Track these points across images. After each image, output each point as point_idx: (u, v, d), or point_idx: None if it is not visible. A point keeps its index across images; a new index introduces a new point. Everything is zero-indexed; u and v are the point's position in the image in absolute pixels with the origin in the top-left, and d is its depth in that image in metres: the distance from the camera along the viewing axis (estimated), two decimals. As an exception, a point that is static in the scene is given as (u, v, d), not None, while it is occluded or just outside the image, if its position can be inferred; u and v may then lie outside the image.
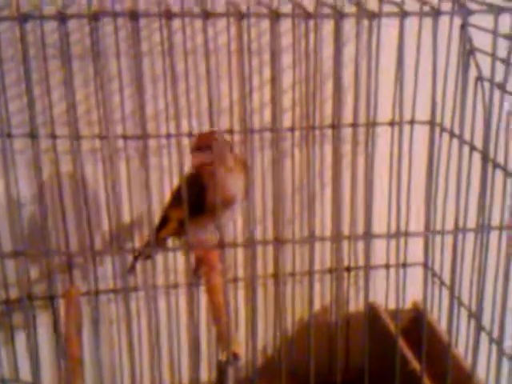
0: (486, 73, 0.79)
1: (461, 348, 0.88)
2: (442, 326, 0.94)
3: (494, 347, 0.79)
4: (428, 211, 0.68)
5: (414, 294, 0.99)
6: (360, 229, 1.01)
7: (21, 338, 0.97)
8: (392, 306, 1.00)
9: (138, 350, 0.97)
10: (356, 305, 1.08)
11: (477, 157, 0.78)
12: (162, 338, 0.82)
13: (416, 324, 0.98)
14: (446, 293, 0.94)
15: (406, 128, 0.93)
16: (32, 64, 0.90)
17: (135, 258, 0.89)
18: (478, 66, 0.82)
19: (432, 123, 0.67)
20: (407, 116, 0.93)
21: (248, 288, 1.03)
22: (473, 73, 0.82)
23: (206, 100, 0.94)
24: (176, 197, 0.83)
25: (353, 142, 0.98)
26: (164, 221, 0.85)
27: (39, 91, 0.91)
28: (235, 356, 0.64)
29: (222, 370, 0.63)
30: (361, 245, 1.05)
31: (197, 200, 0.75)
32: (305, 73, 0.95)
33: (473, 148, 0.80)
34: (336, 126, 0.99)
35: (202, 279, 0.88)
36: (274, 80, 0.65)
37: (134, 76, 0.93)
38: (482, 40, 0.78)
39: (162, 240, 0.85)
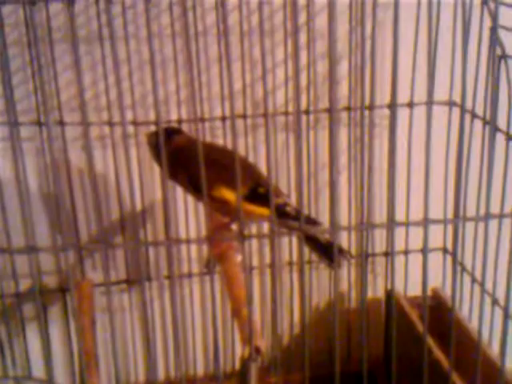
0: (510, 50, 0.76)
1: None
2: (464, 312, 0.92)
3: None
4: (457, 197, 0.65)
5: (432, 280, 0.97)
6: (377, 216, 0.99)
7: (32, 333, 0.95)
8: (411, 293, 0.98)
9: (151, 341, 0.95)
10: (373, 292, 1.06)
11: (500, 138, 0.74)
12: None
13: (436, 311, 0.96)
14: (467, 279, 0.92)
15: (424, 109, 0.89)
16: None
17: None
18: (501, 42, 0.78)
19: (462, 107, 0.64)
20: (423, 97, 0.90)
21: (262, 276, 1.00)
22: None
23: (218, 84, 0.91)
24: None
25: (370, 124, 0.95)
26: None
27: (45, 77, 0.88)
28: (257, 350, 0.62)
29: (244, 367, 0.60)
30: (378, 232, 1.02)
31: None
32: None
33: (496, 129, 0.77)
34: (352, 109, 0.96)
35: (215, 270, 0.85)
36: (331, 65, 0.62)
37: (141, 60, 0.90)
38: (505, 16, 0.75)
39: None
